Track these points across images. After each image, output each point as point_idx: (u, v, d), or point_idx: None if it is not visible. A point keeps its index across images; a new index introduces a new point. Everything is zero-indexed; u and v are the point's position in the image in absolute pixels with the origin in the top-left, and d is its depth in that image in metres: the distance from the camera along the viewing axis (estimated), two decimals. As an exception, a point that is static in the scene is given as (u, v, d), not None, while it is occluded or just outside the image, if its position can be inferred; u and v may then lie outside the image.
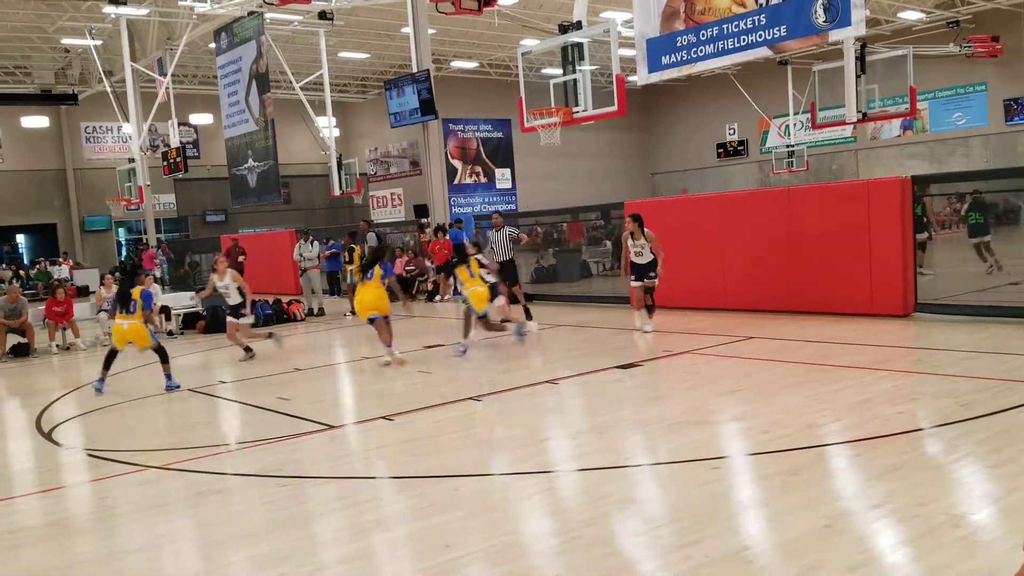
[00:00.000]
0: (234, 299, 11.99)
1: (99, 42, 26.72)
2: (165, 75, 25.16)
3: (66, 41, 28.12)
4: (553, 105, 13.77)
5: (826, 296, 12.10)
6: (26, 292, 21.06)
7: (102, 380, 10.20)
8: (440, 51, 31.52)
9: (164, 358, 10.29)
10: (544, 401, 8.35)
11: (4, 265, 31.23)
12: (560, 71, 13.60)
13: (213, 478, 6.33)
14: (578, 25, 13.37)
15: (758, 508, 5.07)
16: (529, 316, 13.48)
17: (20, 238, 37.99)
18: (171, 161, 25.64)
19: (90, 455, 7.41)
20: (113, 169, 29.32)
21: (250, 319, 12.44)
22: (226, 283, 11.91)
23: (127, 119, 26.65)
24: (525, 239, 14.56)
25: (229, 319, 12.12)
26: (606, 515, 5.03)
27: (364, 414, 8.33)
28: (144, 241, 30.72)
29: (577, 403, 8.33)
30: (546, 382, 8.98)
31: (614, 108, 12.69)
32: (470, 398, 8.51)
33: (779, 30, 10.96)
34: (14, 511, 6.06)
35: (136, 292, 10.09)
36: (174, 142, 25.70)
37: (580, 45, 13.38)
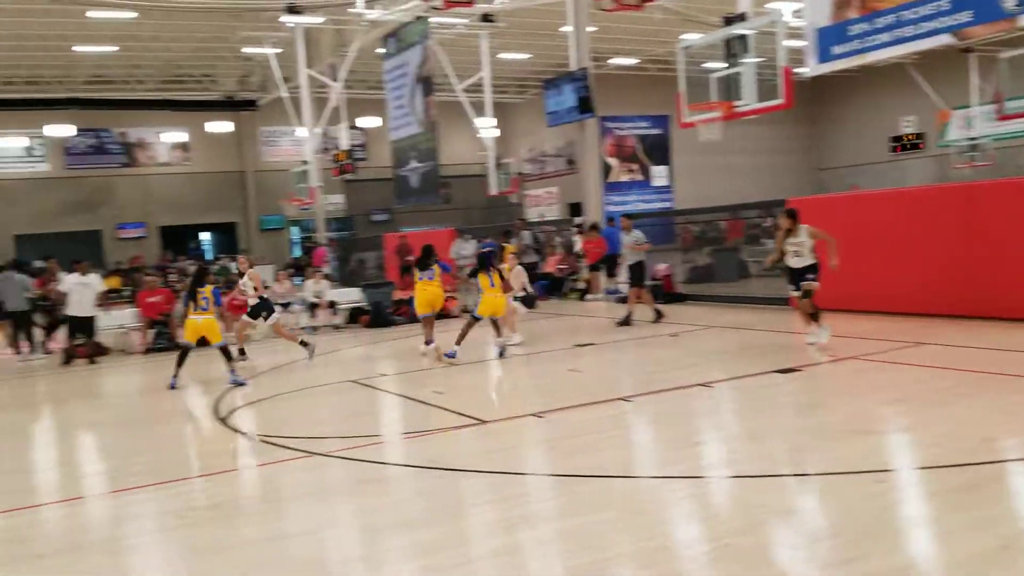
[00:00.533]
0: (252, 299, 12.46)
1: (277, 51, 28.34)
2: (337, 80, 26.39)
3: (247, 50, 29.97)
4: (714, 100, 13.48)
5: (1006, 300, 11.22)
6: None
7: (176, 377, 10.84)
8: (599, 48, 31.43)
9: (228, 358, 10.92)
10: (697, 404, 8.18)
11: (190, 261, 33.65)
12: (722, 64, 13.28)
13: (373, 467, 6.58)
14: (742, 17, 13.01)
15: (926, 525, 4.77)
16: (659, 317, 13.47)
17: (204, 235, 40.90)
18: (341, 163, 26.88)
19: (262, 440, 7.87)
20: (287, 171, 31.05)
21: (258, 320, 12.65)
22: (245, 282, 12.41)
23: (301, 123, 28.13)
24: (647, 247, 14.40)
25: (245, 318, 12.62)
26: (760, 524, 4.88)
27: (514, 410, 8.43)
28: (314, 239, 32.32)
29: (732, 407, 8.11)
30: (699, 385, 8.79)
31: (780, 101, 12.28)
32: (621, 398, 8.46)
33: (964, 15, 10.27)
34: (192, 490, 6.53)
35: (207, 290, 10.82)
36: (344, 145, 26.92)
37: (744, 37, 13.03)
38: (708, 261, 19.87)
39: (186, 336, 11.04)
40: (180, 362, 10.93)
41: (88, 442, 8.84)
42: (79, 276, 14.32)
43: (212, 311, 10.83)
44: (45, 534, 5.66)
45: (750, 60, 13.08)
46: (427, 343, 11.81)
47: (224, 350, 10.91)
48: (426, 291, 11.90)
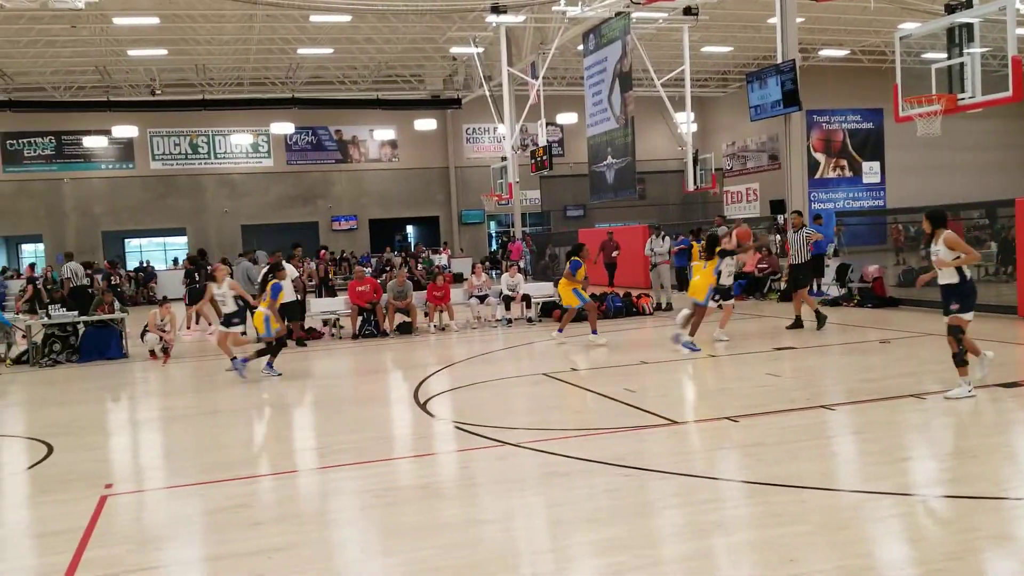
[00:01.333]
0: (230, 307, 11.87)
1: (481, 50, 29.17)
2: (536, 78, 26.82)
3: (454, 50, 31.04)
4: (934, 92, 12.57)
5: None
6: (411, 277, 23.61)
7: (243, 361, 11.31)
8: (807, 40, 30.10)
9: (268, 352, 11.35)
10: (907, 417, 7.65)
11: (396, 252, 35.34)
12: (944, 55, 12.35)
13: (562, 460, 6.64)
14: (968, 4, 12.04)
15: None
16: (821, 323, 12.97)
17: (409, 229, 42.86)
18: (538, 159, 27.30)
19: (457, 427, 8.13)
20: (487, 167, 31.91)
21: (240, 328, 12.10)
22: (223, 291, 11.95)
23: (502, 120, 28.82)
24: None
25: (220, 327, 11.99)
26: (976, 550, 4.50)
27: (708, 412, 8.24)
28: (511, 234, 33.04)
29: (946, 421, 7.53)
30: (911, 396, 8.22)
31: (1008, 94, 11.27)
32: (823, 406, 8.06)
33: None
34: (393, 471, 6.85)
35: (269, 285, 11.34)
36: (542, 141, 27.32)
37: (969, 25, 12.05)
38: (924, 264, 18.56)
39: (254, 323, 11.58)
40: (268, 351, 11.47)
41: (299, 420, 9.48)
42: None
43: (267, 303, 11.30)
44: (262, 503, 6.13)
45: (975, 50, 12.09)
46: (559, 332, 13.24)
47: (274, 343, 11.38)
48: (562, 289, 13.36)
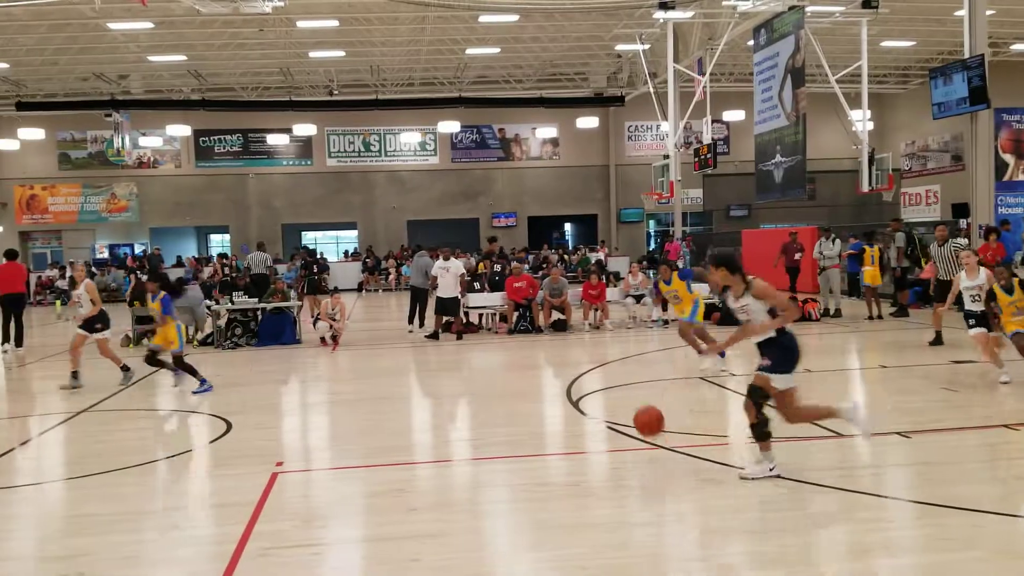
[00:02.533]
0: (86, 309, 11.35)
1: (647, 46, 28.87)
2: (703, 74, 26.26)
3: (619, 48, 30.89)
4: None
5: None
6: (567, 275, 23.73)
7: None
8: (998, 33, 27.99)
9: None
10: (1104, 443, 7.00)
11: (552, 249, 35.60)
12: None
13: (717, 467, 6.49)
14: None
15: None
16: (938, 340, 12.18)
17: (567, 226, 43.02)
18: (702, 157, 26.74)
19: (609, 427, 8.11)
20: (648, 165, 31.56)
21: (105, 333, 11.50)
22: (79, 291, 11.48)
23: (665, 118, 28.42)
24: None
25: (80, 332, 11.37)
26: None
27: (878, 426, 7.82)
28: (671, 233, 32.53)
29: None
30: (1109, 421, 7.51)
31: None
32: (1004, 425, 7.49)
33: None
34: (544, 467, 6.91)
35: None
36: (706, 139, 26.73)
37: None
38: None
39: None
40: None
41: (456, 411, 9.72)
42: (442, 261, 15.80)
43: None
44: (419, 489, 6.33)
45: None
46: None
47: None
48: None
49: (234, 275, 24.38)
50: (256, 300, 15.56)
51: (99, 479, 6.77)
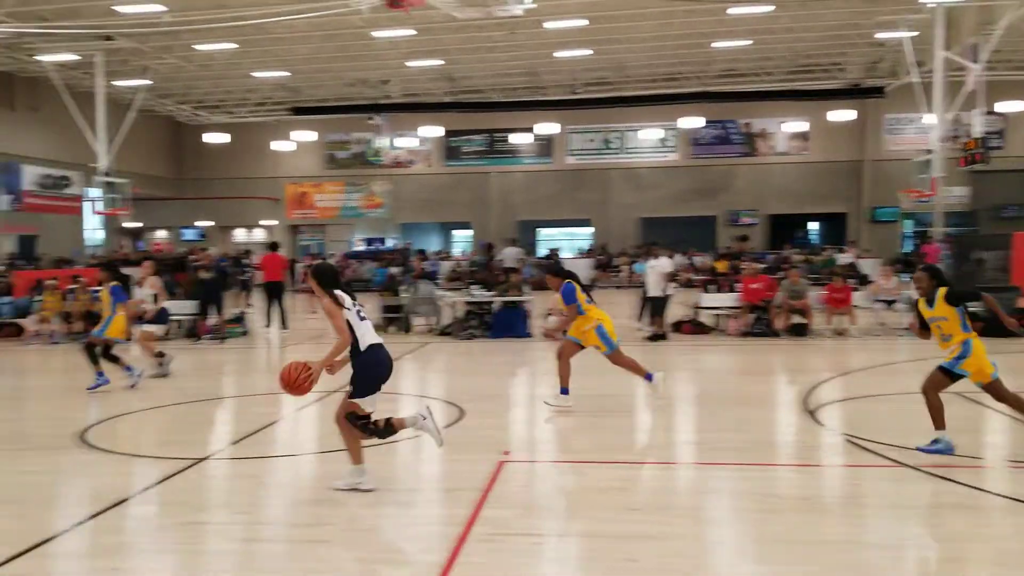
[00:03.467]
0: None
1: (913, 33, 26.80)
2: (977, 62, 23.97)
3: (880, 35, 28.89)
4: None
5: None
6: (810, 276, 22.55)
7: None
8: None
9: None
10: None
11: (796, 249, 33.98)
12: None
13: (969, 491, 5.92)
14: None
15: None
16: None
17: (811, 225, 40.90)
18: (969, 152, 24.42)
19: (847, 440, 7.62)
20: (907, 160, 29.28)
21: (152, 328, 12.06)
22: (145, 291, 12.00)
23: (930, 109, 26.24)
24: None
25: (146, 327, 12.00)
26: None
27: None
28: (928, 234, 30.01)
29: None
30: None
31: None
32: None
33: None
34: (773, 477, 6.63)
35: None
36: (976, 132, 24.40)
37: None
38: None
39: None
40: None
41: (683, 413, 9.54)
42: (652, 260, 15.50)
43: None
44: (640, 489, 6.29)
45: None
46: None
47: None
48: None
49: (473, 269, 25.46)
50: (492, 293, 16.18)
51: (344, 455, 7.30)
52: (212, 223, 40.55)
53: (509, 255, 20.97)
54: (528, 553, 5.02)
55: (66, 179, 32.24)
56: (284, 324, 17.38)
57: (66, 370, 13.26)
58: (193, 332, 16.53)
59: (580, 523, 5.62)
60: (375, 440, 6.20)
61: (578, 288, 9.07)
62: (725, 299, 16.47)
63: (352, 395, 5.97)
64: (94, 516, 5.74)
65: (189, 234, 40.79)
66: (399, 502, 6.01)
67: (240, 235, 40.83)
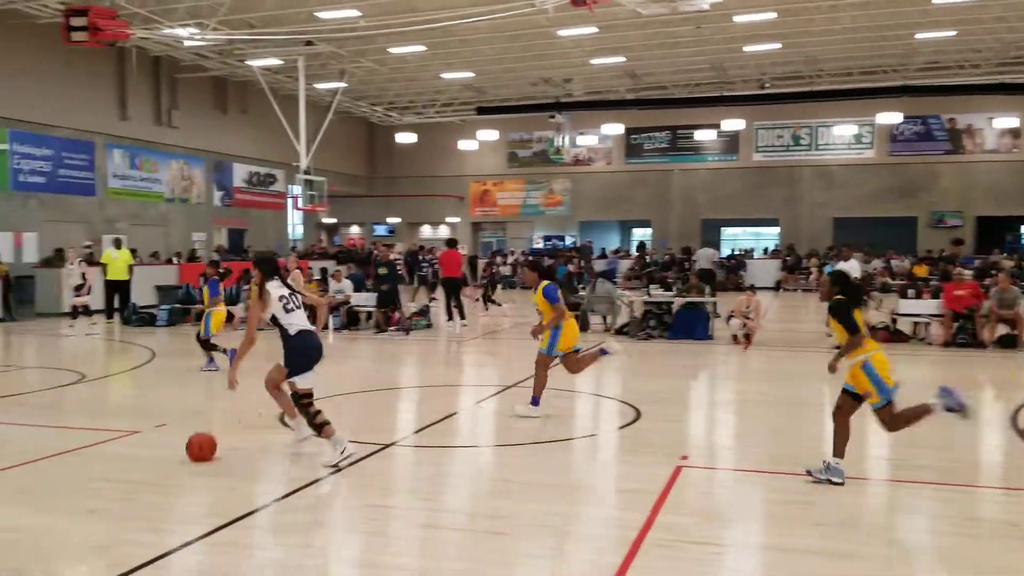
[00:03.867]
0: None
1: None
2: None
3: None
4: None
5: None
6: (1021, 284, 20.74)
7: None
8: None
9: None
10: None
11: (1006, 254, 31.30)
12: None
13: None
14: None
15: None
16: None
17: (1025, 228, 37.56)
18: None
19: (1064, 466, 6.97)
20: None
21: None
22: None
23: None
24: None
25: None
26: None
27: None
28: None
29: None
30: None
31: None
32: None
33: None
34: (976, 500, 6.15)
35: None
36: None
37: None
38: None
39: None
40: None
41: (874, 425, 9.00)
42: (842, 262, 14.68)
43: None
44: (826, 504, 5.98)
45: None
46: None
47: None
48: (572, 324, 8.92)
49: (651, 268, 25.21)
50: (672, 293, 15.93)
51: (520, 449, 7.43)
52: (400, 220, 42.32)
53: (703, 256, 20.62)
54: (706, 562, 4.90)
55: (272, 177, 34.67)
56: (462, 315, 17.92)
57: (269, 355, 14.22)
58: (380, 324, 17.30)
59: (761, 535, 5.44)
60: (305, 423, 6.95)
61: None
62: (925, 306, 15.44)
63: (288, 374, 6.84)
64: (289, 495, 6.12)
65: (380, 230, 42.77)
66: (574, 500, 6.03)
67: (426, 231, 42.39)
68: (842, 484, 6.17)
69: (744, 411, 9.54)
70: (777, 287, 31.67)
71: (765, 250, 36.64)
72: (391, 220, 42.61)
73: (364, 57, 28.33)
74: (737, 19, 24.89)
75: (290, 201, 33.56)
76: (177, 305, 19.24)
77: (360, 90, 34.05)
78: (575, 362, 8.74)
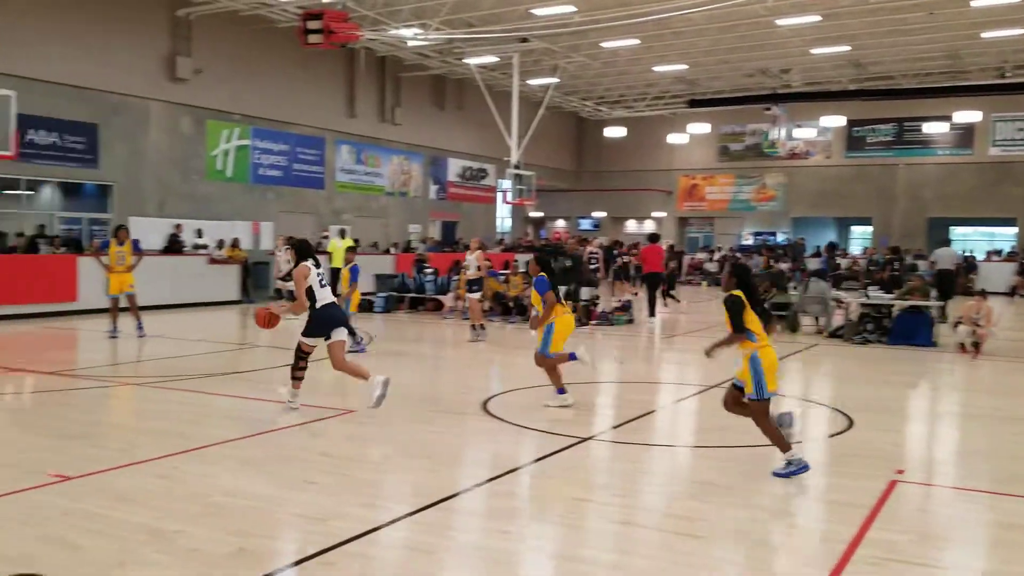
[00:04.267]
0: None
1: None
2: None
3: None
4: None
5: None
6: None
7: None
8: None
9: None
10: None
11: None
12: None
13: None
14: None
15: None
16: None
17: None
18: None
19: None
20: None
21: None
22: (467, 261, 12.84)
23: None
24: None
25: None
26: None
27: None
28: None
29: None
30: None
31: None
32: None
33: None
34: None
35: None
36: None
37: None
38: None
39: None
40: None
41: None
42: None
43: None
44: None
45: None
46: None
47: None
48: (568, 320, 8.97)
49: (871, 268, 23.76)
50: (891, 296, 14.95)
51: (720, 451, 7.26)
52: (605, 214, 42.40)
53: (943, 256, 19.24)
54: (920, 585, 4.59)
55: (483, 171, 35.80)
56: (652, 312, 17.96)
57: (475, 344, 14.75)
58: (581, 318, 17.45)
59: (982, 560, 5.03)
60: (292, 366, 8.22)
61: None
62: None
63: (303, 333, 8.11)
64: (490, 480, 6.32)
65: (585, 224, 43.07)
66: (776, 509, 5.83)
67: (630, 226, 42.21)
68: (807, 469, 6.26)
69: (969, 426, 8.81)
70: (1012, 293, 28.92)
71: (999, 252, 33.49)
72: (596, 214, 42.78)
73: (576, 52, 28.58)
74: (975, 3, 22.93)
75: (499, 195, 34.54)
76: (393, 293, 20.31)
77: (571, 85, 34.38)
78: (545, 360, 8.74)
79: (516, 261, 22.93)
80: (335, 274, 20.53)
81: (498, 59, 27.90)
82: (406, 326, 17.50)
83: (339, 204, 28.96)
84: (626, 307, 18.18)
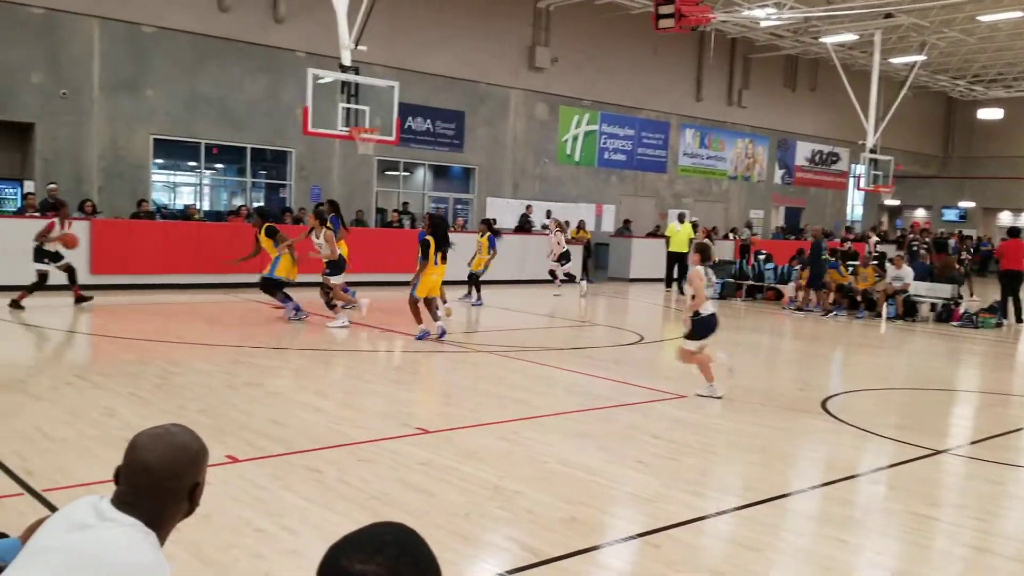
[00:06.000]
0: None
1: None
2: None
3: None
4: None
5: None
6: None
7: None
8: None
9: None
10: None
11: None
12: None
13: None
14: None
15: None
16: None
17: None
18: None
19: None
20: None
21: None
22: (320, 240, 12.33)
23: None
24: None
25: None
26: None
27: None
28: None
29: None
30: None
31: None
32: None
33: None
34: None
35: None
36: None
37: None
38: None
39: None
40: None
41: None
42: None
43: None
44: None
45: None
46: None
47: None
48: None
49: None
50: None
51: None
52: (974, 204, 38.10)
53: None
54: None
55: (835, 155, 33.82)
56: (1019, 317, 15.93)
57: (815, 337, 14.09)
58: (945, 317, 16.06)
59: None
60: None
61: (432, 243, 10.81)
62: None
63: (686, 337, 8.39)
64: (826, 484, 6.04)
65: (949, 215, 39.05)
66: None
67: (1004, 218, 37.51)
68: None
69: None
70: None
71: None
72: (963, 204, 38.55)
73: (949, 27, 25.88)
74: None
75: (851, 181, 32.41)
76: (730, 279, 19.96)
77: (941, 63, 31.25)
78: (416, 309, 11.05)
79: (867, 253, 21.43)
80: (672, 259, 20.72)
81: (858, 36, 26.07)
82: (742, 314, 17.13)
83: (680, 188, 28.95)
84: (994, 308, 16.28)
